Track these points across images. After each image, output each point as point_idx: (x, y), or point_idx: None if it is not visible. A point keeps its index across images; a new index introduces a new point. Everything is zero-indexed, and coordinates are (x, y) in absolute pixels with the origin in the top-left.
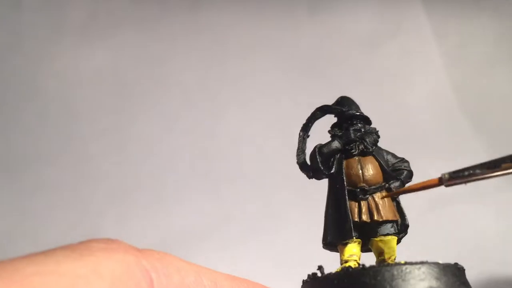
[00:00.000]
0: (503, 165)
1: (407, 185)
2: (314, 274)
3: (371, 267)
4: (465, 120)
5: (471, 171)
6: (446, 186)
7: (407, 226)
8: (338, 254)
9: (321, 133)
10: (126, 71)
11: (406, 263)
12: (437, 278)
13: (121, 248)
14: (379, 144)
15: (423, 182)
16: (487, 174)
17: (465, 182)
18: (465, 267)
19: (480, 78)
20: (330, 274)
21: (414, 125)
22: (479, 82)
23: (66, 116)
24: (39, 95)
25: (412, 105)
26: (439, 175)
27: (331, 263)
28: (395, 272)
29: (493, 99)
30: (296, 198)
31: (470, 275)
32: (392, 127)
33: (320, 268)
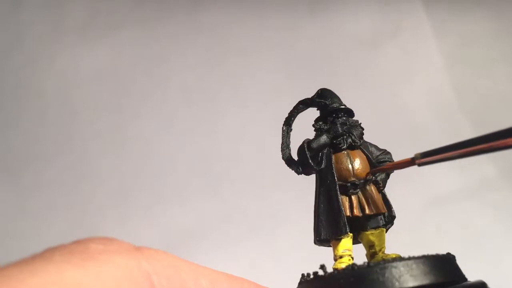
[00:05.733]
0: (475, 146)
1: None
2: (315, 273)
3: (377, 264)
4: (465, 120)
5: (443, 151)
6: (419, 165)
7: (393, 217)
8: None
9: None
10: (126, 71)
11: (410, 258)
12: (439, 269)
13: (122, 250)
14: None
15: (396, 162)
16: (458, 154)
17: (437, 162)
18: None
19: (480, 78)
20: (334, 272)
21: (414, 125)
22: (479, 82)
23: (65, 116)
24: (39, 95)
25: (412, 105)
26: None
27: (331, 262)
28: (402, 268)
29: (493, 99)
30: (295, 198)
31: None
32: (392, 127)
33: (322, 267)
